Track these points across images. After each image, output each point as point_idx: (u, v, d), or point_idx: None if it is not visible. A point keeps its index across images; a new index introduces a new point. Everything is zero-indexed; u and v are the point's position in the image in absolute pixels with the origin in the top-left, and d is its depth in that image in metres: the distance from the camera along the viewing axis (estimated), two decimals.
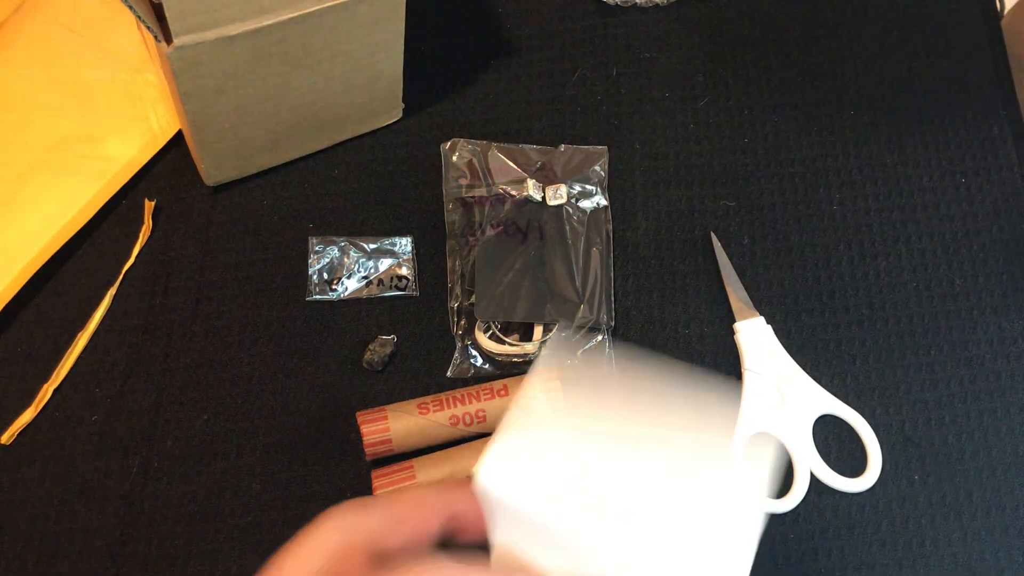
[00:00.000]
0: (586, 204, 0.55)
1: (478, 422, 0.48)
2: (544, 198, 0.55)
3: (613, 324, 0.53)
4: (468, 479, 0.33)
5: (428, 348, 0.52)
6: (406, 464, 0.47)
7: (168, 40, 0.44)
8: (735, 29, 0.62)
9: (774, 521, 0.49)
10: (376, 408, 0.48)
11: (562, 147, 0.57)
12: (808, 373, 0.52)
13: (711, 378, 0.52)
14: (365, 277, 0.54)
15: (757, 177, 0.57)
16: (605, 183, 0.56)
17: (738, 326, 0.52)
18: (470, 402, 0.48)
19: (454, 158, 0.56)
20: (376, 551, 0.34)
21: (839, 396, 0.51)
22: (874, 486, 0.49)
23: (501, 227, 0.54)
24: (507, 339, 0.52)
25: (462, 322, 0.52)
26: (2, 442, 0.50)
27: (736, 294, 0.53)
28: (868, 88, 0.60)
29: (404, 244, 0.54)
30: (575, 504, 0.32)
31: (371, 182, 0.57)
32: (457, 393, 0.49)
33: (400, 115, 0.58)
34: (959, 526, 0.49)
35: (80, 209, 0.54)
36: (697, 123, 0.59)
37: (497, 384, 0.49)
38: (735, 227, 0.56)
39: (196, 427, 0.50)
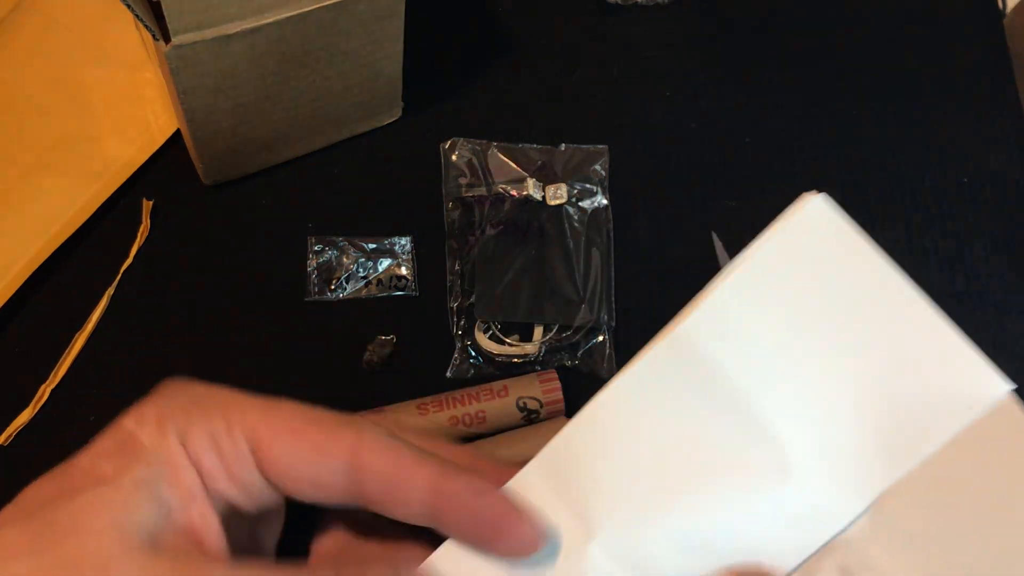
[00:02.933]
0: (586, 204, 0.55)
1: (478, 423, 0.48)
2: (544, 198, 0.55)
3: (614, 324, 0.52)
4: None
5: (428, 348, 0.52)
6: None
7: (166, 39, 0.44)
8: (736, 28, 0.62)
9: None
10: (376, 408, 0.48)
11: (562, 146, 0.57)
12: None
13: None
14: (365, 277, 0.53)
15: (758, 177, 0.57)
16: (605, 183, 0.56)
17: None
18: (470, 403, 0.48)
19: (454, 158, 0.56)
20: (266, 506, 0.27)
21: None
22: None
23: (501, 227, 0.54)
24: (507, 339, 0.52)
25: (462, 322, 0.52)
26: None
27: None
28: (869, 88, 0.60)
29: (404, 244, 0.54)
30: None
31: (371, 182, 0.56)
32: (457, 394, 0.49)
33: (400, 115, 0.58)
34: None
35: (78, 209, 0.53)
36: (698, 123, 0.59)
37: (497, 385, 0.49)
38: (736, 227, 0.56)
39: None
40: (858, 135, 0.58)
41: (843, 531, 0.29)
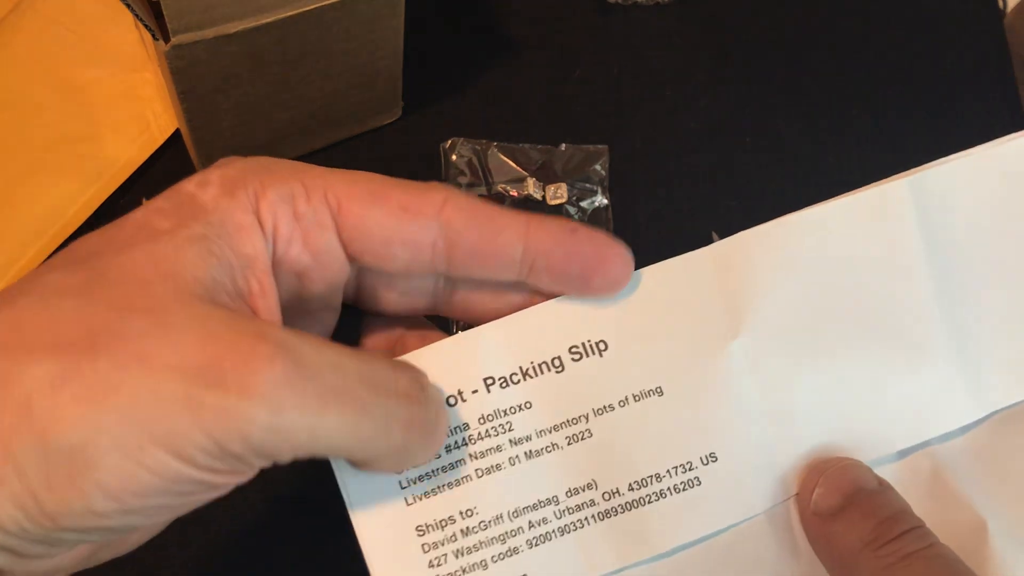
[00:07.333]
0: (586, 204, 0.55)
1: None
2: (544, 198, 0.55)
3: None
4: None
5: None
6: None
7: (166, 38, 0.44)
8: (737, 28, 0.62)
9: None
10: None
11: (562, 146, 0.57)
12: None
13: None
14: None
15: (758, 177, 0.57)
16: (605, 183, 0.56)
17: None
18: None
19: (454, 158, 0.56)
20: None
21: None
22: None
23: None
24: None
25: (462, 322, 0.52)
26: None
27: None
28: (869, 88, 0.60)
29: None
30: None
31: None
32: None
33: (400, 114, 0.58)
34: None
35: (78, 209, 0.53)
36: (698, 123, 0.59)
37: None
38: (736, 227, 0.55)
39: None
40: (858, 135, 0.58)
41: (946, 436, 0.29)
